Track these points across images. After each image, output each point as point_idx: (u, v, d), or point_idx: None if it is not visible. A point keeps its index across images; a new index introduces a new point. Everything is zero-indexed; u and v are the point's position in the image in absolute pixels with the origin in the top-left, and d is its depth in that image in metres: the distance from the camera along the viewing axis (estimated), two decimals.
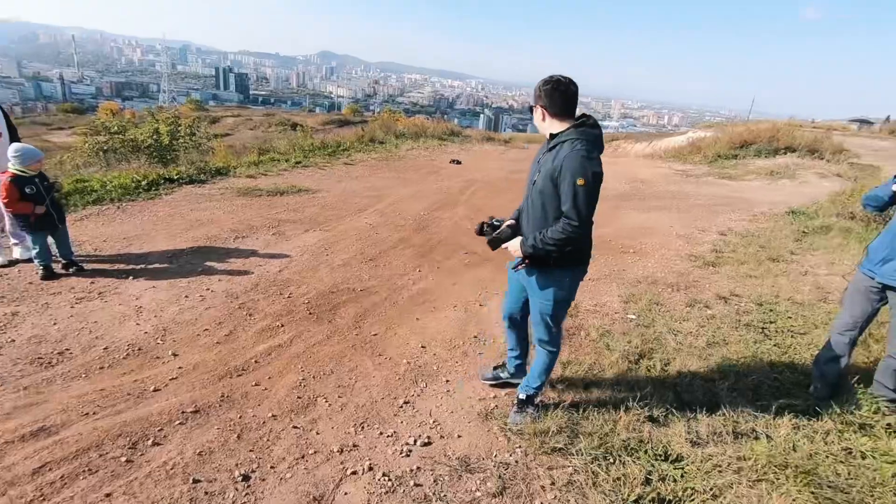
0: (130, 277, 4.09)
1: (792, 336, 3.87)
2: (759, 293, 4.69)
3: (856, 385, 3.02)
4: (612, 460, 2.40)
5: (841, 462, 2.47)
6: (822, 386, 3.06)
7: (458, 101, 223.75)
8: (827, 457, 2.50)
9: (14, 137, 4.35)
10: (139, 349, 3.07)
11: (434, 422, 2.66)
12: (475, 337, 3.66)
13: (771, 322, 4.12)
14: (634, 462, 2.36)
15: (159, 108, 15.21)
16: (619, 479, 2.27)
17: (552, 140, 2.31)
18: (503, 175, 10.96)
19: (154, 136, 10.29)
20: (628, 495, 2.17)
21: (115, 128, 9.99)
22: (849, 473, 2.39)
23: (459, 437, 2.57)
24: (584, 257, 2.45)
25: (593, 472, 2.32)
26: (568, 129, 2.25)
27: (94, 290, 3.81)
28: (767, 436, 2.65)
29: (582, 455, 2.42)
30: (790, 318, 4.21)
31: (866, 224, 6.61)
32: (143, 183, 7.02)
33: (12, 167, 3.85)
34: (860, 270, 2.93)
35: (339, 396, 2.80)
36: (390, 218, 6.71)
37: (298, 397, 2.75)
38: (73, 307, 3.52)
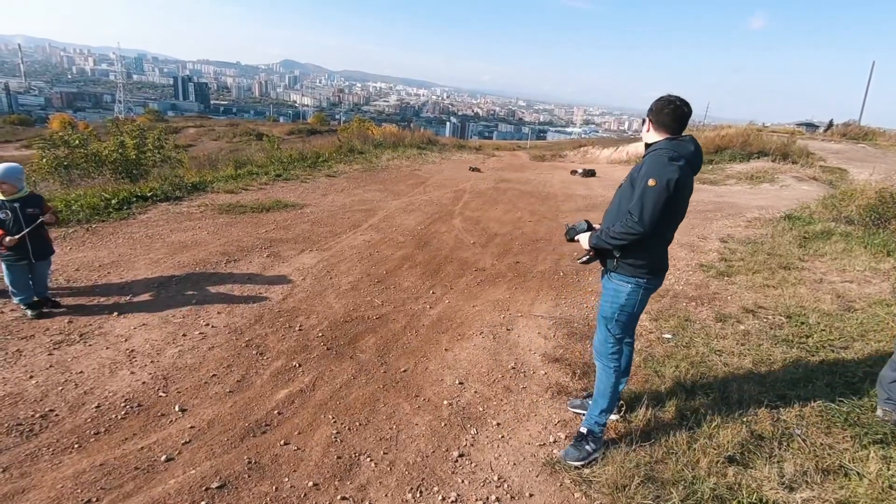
0: (115, 313, 3.59)
1: (834, 351, 3.71)
2: (784, 304, 4.56)
3: None
4: None
5: None
6: (891, 409, 2.87)
7: (424, 109, 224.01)
8: None
9: None
10: (139, 405, 2.61)
11: (499, 478, 2.32)
12: (513, 368, 3.34)
13: (807, 336, 3.96)
14: None
15: (115, 120, 14.34)
16: None
17: (647, 150, 2.37)
18: (491, 185, 10.74)
19: (119, 150, 9.58)
20: None
21: (76, 141, 9.24)
22: None
23: (531, 496, 2.24)
24: (649, 269, 2.38)
25: None
26: (663, 140, 2.32)
27: (74, 332, 3.30)
28: (858, 473, 2.43)
29: None
30: (824, 330, 4.07)
31: (865, 228, 6.66)
32: (114, 202, 6.44)
33: None
34: None
35: (384, 453, 2.42)
36: (387, 234, 6.34)
37: (338, 457, 2.36)
38: (52, 354, 3.02)
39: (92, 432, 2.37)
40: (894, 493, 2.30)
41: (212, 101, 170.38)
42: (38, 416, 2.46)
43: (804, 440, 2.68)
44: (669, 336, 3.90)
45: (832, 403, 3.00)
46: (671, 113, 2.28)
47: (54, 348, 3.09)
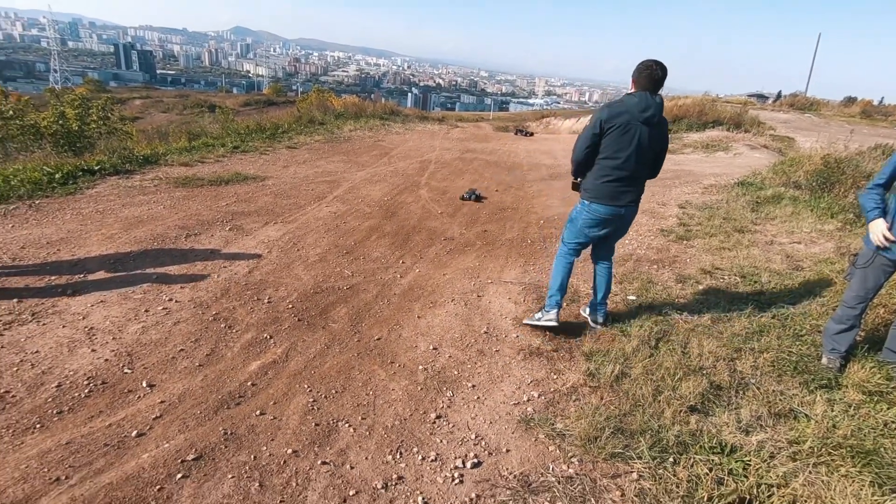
0: (69, 292, 3.41)
1: (784, 307, 3.93)
2: (739, 265, 4.78)
3: (867, 354, 3.09)
4: (673, 460, 2.25)
5: (882, 435, 2.48)
6: (835, 357, 3.09)
7: (385, 79, 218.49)
8: (869, 432, 2.50)
9: None
10: (103, 382, 2.51)
11: (476, 437, 2.38)
12: (485, 332, 3.40)
13: (760, 294, 4.19)
14: (699, 459, 2.22)
15: (52, 90, 13.36)
16: (690, 480, 2.12)
17: None
18: (456, 155, 10.67)
19: (60, 122, 8.96)
20: (707, 499, 2.03)
21: (10, 112, 8.57)
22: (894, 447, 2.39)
23: (508, 451, 2.31)
24: (592, 195, 3.10)
25: (660, 477, 2.15)
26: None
27: (25, 311, 3.12)
28: (806, 415, 2.62)
29: (643, 458, 2.25)
30: (775, 288, 4.31)
31: (812, 192, 7.01)
32: (57, 176, 6.04)
33: None
34: (872, 248, 2.91)
35: (361, 418, 2.44)
36: (353, 205, 6.24)
37: (316, 424, 2.36)
38: (2, 335, 2.85)
39: (54, 412, 2.27)
40: (838, 431, 2.49)
41: (158, 71, 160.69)
42: None
43: (758, 388, 2.85)
44: (633, 297, 4.04)
45: (783, 354, 3.21)
46: (648, 77, 2.84)
47: (5, 329, 2.91)
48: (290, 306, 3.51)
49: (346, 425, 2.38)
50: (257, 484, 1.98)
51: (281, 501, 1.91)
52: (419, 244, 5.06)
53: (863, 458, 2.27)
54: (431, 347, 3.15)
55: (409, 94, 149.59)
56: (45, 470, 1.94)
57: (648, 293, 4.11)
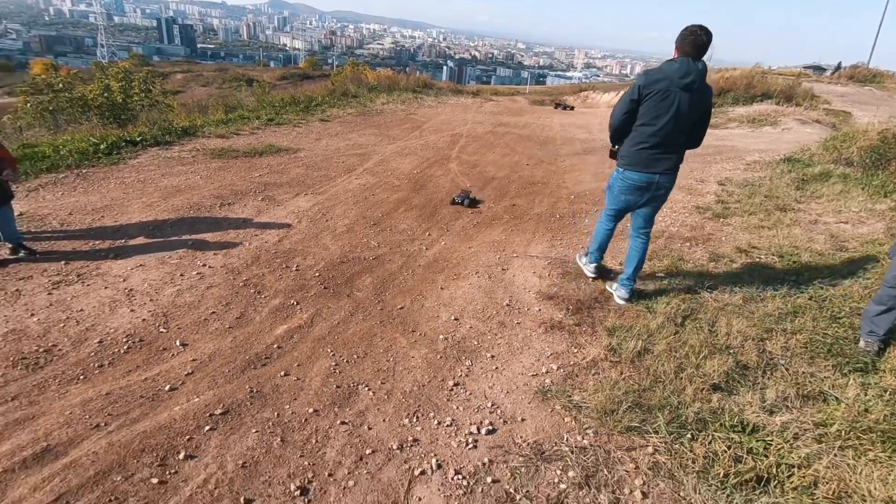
0: (111, 255, 3.59)
1: (823, 289, 3.77)
2: (777, 245, 4.58)
3: None
4: (691, 436, 2.23)
5: None
6: (873, 340, 2.96)
7: (420, 52, 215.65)
8: None
9: None
10: (141, 340, 2.67)
11: (492, 405, 2.42)
12: (507, 305, 3.40)
13: (798, 274, 4.02)
14: (718, 437, 2.19)
15: (98, 64, 13.81)
16: (706, 457, 2.10)
17: None
18: (488, 129, 10.52)
19: (105, 94, 9.29)
20: (723, 475, 2.00)
21: (60, 85, 8.94)
22: None
23: (523, 420, 2.34)
24: (626, 162, 3.12)
25: (676, 452, 2.14)
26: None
27: (72, 273, 3.32)
28: (836, 398, 2.54)
29: (660, 433, 2.23)
30: (815, 269, 4.12)
31: (865, 169, 6.60)
32: (102, 146, 6.30)
33: None
34: None
35: (381, 382, 2.51)
36: (383, 177, 6.28)
37: (337, 387, 2.44)
38: (51, 294, 3.05)
39: (96, 365, 2.44)
40: (870, 415, 2.41)
41: (198, 45, 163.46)
42: (42, 350, 2.52)
43: (787, 369, 2.77)
44: (662, 275, 3.94)
45: (817, 336, 3.09)
46: (692, 43, 2.80)
47: (53, 288, 3.11)
48: (317, 274, 3.60)
49: (366, 389, 2.45)
50: (279, 439, 2.08)
51: (301, 456, 2.01)
52: (446, 217, 5.06)
53: (894, 443, 2.19)
54: (453, 318, 3.18)
55: (445, 67, 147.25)
56: (87, 417, 2.10)
57: (678, 271, 4.00)
